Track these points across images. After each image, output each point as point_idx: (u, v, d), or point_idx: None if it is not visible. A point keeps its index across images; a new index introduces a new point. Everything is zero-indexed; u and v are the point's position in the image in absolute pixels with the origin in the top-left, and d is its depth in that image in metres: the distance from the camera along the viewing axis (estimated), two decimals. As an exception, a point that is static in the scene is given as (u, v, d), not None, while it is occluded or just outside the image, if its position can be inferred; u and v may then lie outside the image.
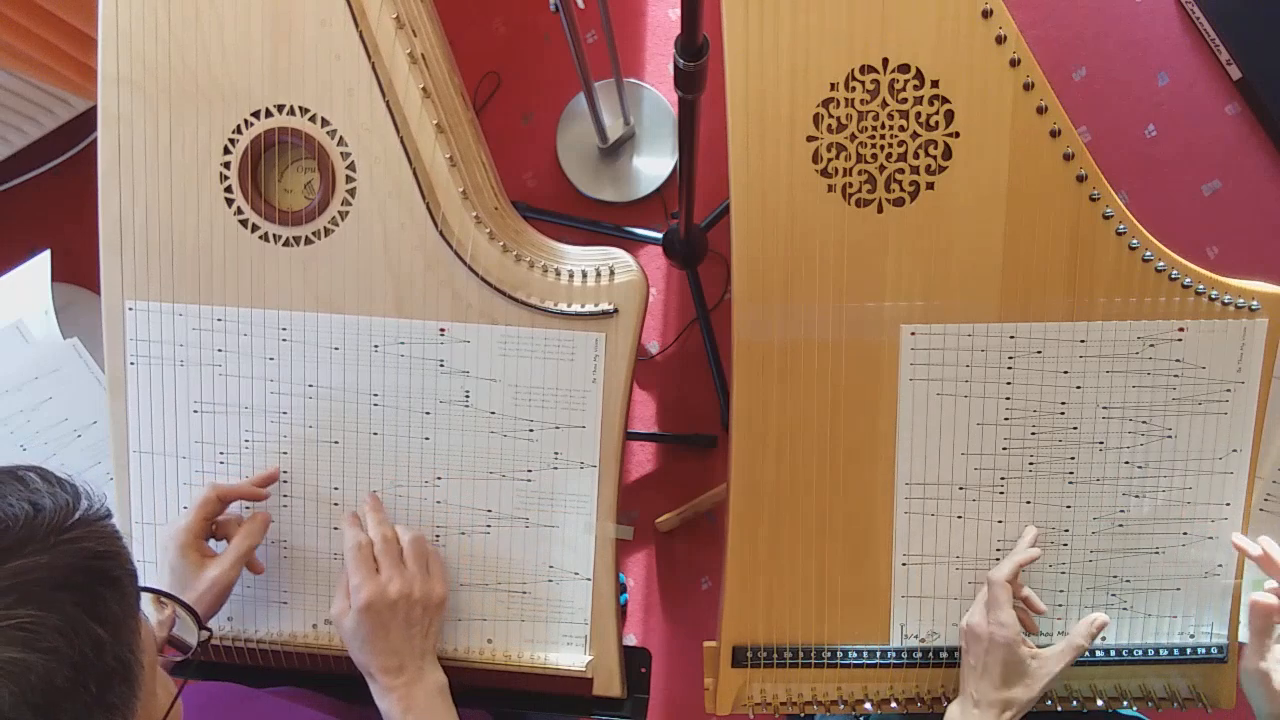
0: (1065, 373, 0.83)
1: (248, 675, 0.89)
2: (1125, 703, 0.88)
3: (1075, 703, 0.87)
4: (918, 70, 0.78)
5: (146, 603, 0.67)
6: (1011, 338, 0.83)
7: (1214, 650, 0.87)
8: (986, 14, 0.76)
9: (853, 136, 0.79)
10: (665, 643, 1.69)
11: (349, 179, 0.83)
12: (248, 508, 0.86)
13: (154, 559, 0.88)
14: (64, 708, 0.45)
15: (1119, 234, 0.80)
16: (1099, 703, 0.87)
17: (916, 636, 0.87)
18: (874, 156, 0.80)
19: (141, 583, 0.54)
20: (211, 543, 0.83)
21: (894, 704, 0.88)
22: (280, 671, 0.89)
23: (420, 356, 0.85)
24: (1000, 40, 0.77)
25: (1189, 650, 0.87)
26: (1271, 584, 0.82)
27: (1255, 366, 0.83)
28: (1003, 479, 0.85)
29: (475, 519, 0.86)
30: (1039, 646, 0.81)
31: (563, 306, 0.83)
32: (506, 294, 0.83)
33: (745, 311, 0.82)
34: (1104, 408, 0.84)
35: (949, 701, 0.86)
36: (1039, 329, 0.82)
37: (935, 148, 0.79)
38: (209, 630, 0.66)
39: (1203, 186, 1.75)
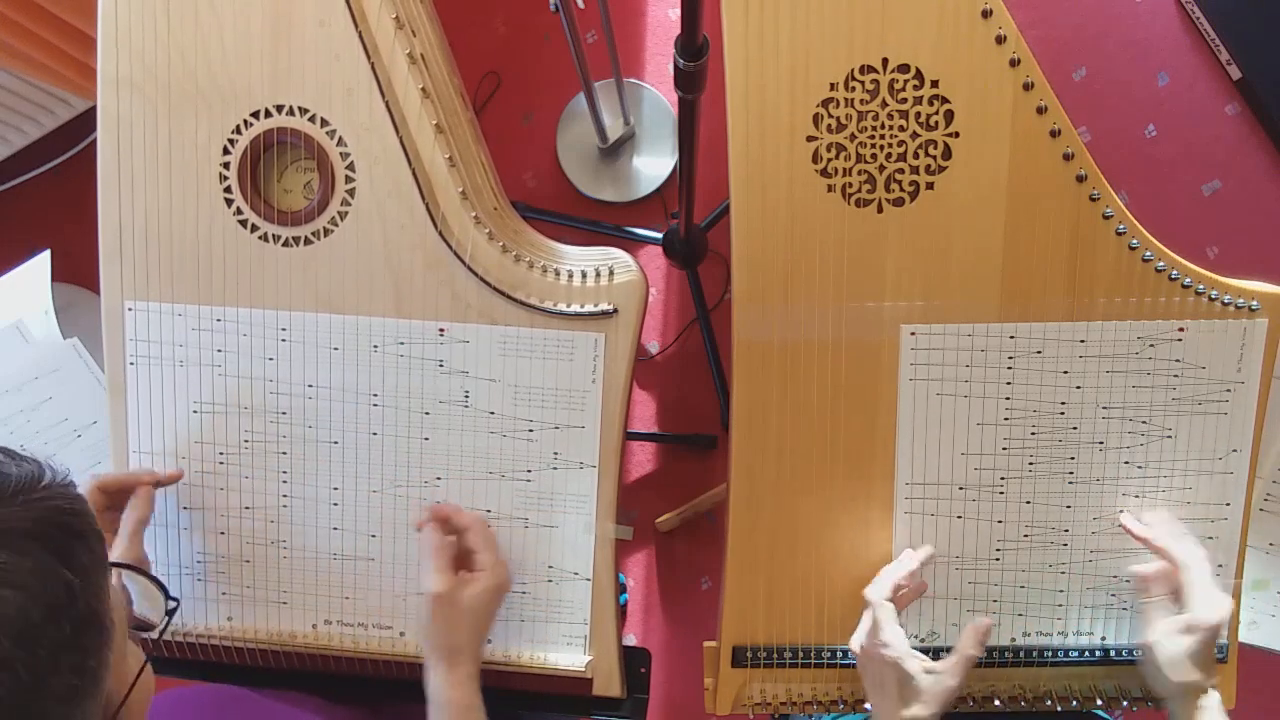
0: (1065, 373, 0.83)
1: (248, 676, 0.89)
2: (1125, 702, 0.88)
3: (1075, 703, 0.87)
4: (918, 70, 0.78)
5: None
6: (1011, 338, 0.83)
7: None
8: (986, 14, 0.76)
9: (852, 136, 0.79)
10: (665, 643, 1.69)
11: (348, 179, 0.83)
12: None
13: (153, 557, 0.88)
14: (41, 642, 0.46)
15: (1119, 234, 0.80)
16: (1099, 702, 0.88)
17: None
18: (874, 156, 0.80)
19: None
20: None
21: (894, 704, 0.88)
22: (280, 672, 0.89)
23: (420, 356, 0.85)
24: (1000, 40, 0.77)
25: (1189, 650, 0.87)
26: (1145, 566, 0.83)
27: (1255, 366, 0.83)
28: (1003, 479, 0.85)
29: (475, 519, 0.86)
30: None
31: (562, 306, 0.83)
32: (506, 294, 0.83)
33: (745, 311, 0.82)
34: (1104, 408, 0.84)
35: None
36: (1039, 329, 0.82)
37: (935, 148, 0.79)
38: (177, 600, 0.67)
39: (1203, 186, 1.75)
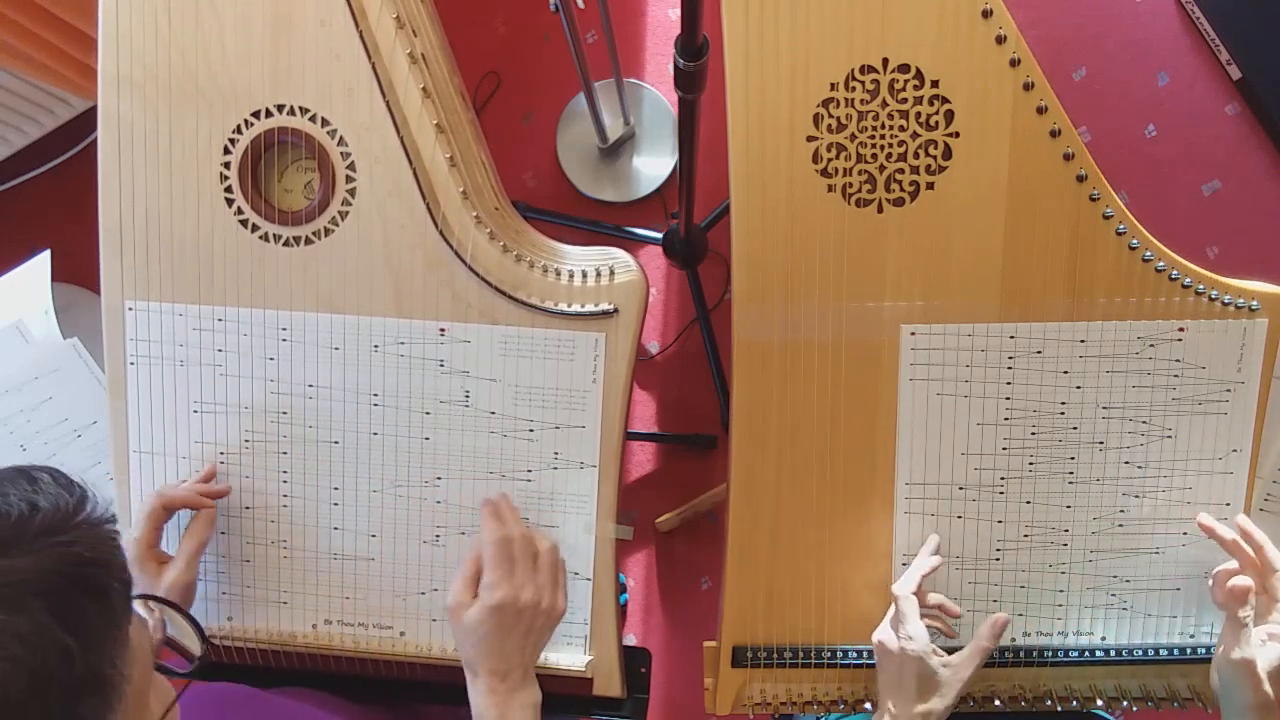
0: (1065, 373, 0.83)
1: (249, 675, 0.89)
2: (1124, 702, 0.88)
3: (1075, 703, 0.87)
4: (918, 70, 0.78)
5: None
6: (1011, 338, 0.83)
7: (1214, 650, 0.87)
8: (986, 14, 0.76)
9: (853, 136, 0.79)
10: (665, 643, 1.69)
11: (349, 179, 0.83)
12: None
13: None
14: (18, 716, 0.43)
15: (1119, 234, 0.80)
16: (1099, 702, 0.88)
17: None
18: (874, 156, 0.80)
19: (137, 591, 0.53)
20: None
21: (894, 704, 0.88)
22: (280, 671, 0.89)
23: (420, 356, 0.85)
24: (1000, 40, 0.77)
25: (1189, 650, 0.87)
26: (1228, 565, 0.81)
27: (1255, 366, 0.83)
28: (1003, 479, 0.85)
29: (475, 519, 0.86)
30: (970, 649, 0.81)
31: (563, 306, 0.83)
32: (506, 294, 0.83)
33: (745, 311, 0.82)
34: (1104, 408, 0.84)
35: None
36: (1039, 329, 0.82)
37: (935, 148, 0.79)
38: (211, 645, 0.65)
39: (1203, 186, 1.75)
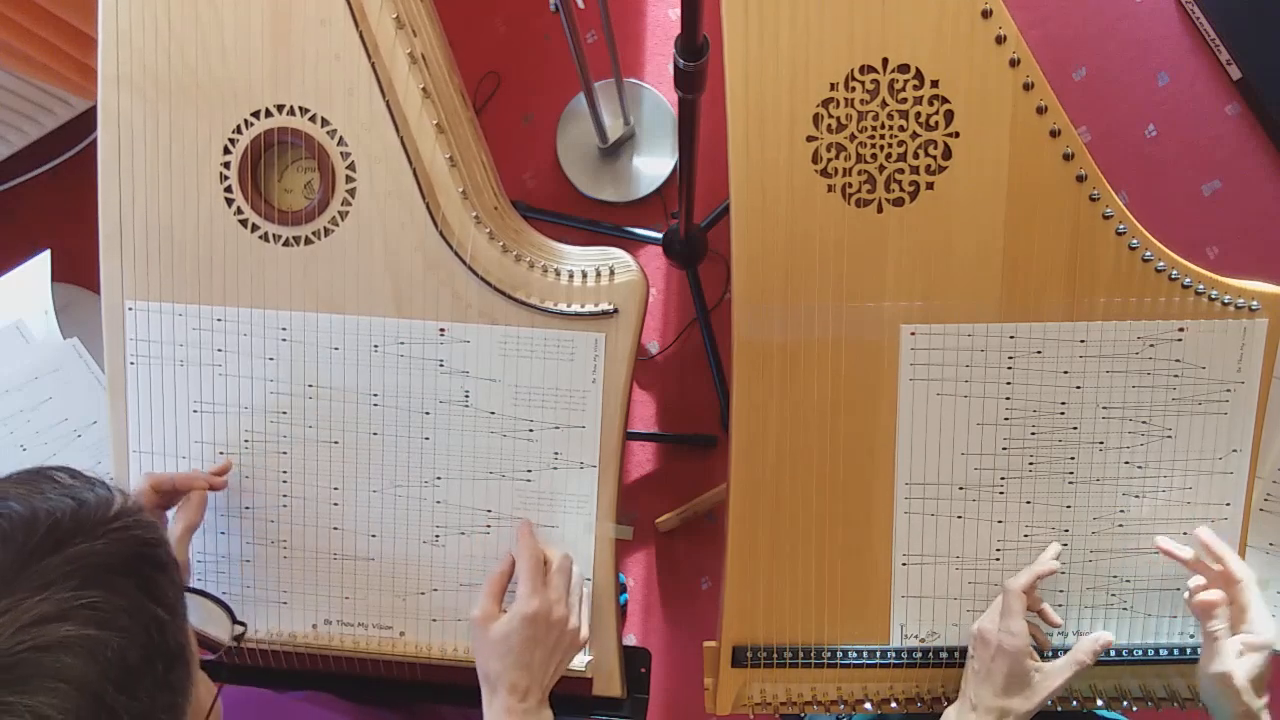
0: (1065, 373, 0.83)
1: (249, 676, 0.89)
2: (1124, 703, 0.88)
3: (1075, 703, 0.87)
4: (918, 70, 0.78)
5: None
6: (1011, 338, 0.83)
7: (1214, 650, 0.87)
8: (986, 14, 0.76)
9: (852, 136, 0.79)
10: (665, 643, 1.69)
11: (349, 179, 0.83)
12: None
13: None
14: (140, 684, 0.45)
15: (1119, 234, 0.80)
16: (1099, 702, 0.88)
17: (916, 636, 0.87)
18: (874, 156, 0.80)
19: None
20: None
21: (894, 704, 0.88)
22: (281, 672, 0.89)
23: (420, 356, 0.85)
24: (1000, 40, 0.77)
25: (1189, 650, 0.87)
26: (1199, 579, 0.82)
27: (1255, 366, 0.83)
28: (1003, 479, 0.85)
29: (475, 519, 0.86)
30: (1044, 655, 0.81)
31: (562, 306, 0.83)
32: (506, 294, 0.83)
33: (745, 311, 0.82)
34: (1104, 408, 0.84)
35: (949, 702, 0.86)
36: (1039, 329, 0.82)
37: (935, 148, 0.79)
38: (243, 625, 0.66)
39: (1203, 186, 1.75)
